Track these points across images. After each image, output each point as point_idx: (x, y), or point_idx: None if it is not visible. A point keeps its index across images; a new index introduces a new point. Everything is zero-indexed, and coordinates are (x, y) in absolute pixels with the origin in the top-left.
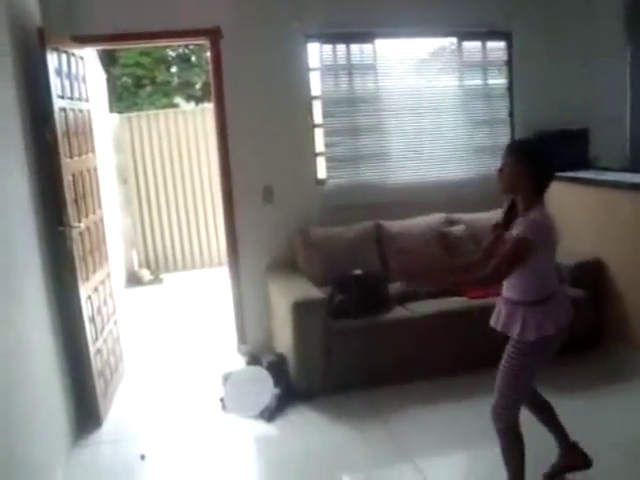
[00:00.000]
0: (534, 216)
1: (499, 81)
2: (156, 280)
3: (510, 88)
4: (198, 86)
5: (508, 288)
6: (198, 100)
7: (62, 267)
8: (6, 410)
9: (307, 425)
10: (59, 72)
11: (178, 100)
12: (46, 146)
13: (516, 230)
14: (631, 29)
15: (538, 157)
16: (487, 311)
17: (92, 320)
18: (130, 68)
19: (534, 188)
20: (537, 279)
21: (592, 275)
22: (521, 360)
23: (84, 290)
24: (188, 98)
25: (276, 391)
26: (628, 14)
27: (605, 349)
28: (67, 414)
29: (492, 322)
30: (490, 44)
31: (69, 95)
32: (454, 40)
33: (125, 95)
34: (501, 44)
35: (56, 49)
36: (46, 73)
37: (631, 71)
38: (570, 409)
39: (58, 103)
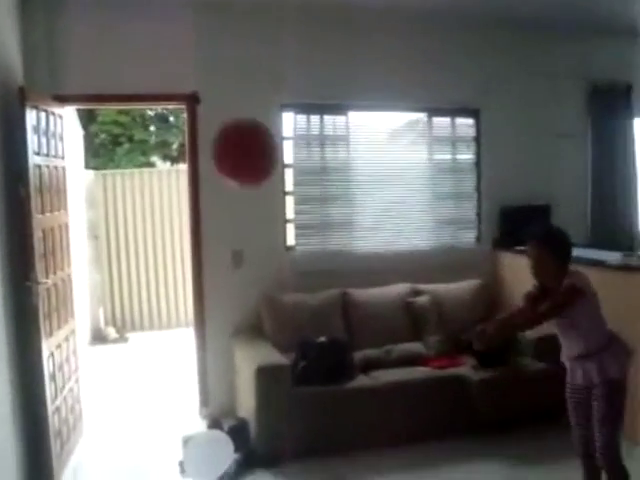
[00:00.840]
0: (571, 277)
1: (467, 156)
2: (121, 339)
3: (477, 163)
4: (175, 146)
5: (579, 345)
6: (174, 160)
7: (26, 322)
8: None
9: None
10: (37, 129)
11: (155, 159)
12: (18, 201)
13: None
14: (591, 111)
15: (561, 244)
16: (449, 381)
17: (53, 377)
18: (108, 125)
19: (563, 269)
20: (597, 327)
21: (554, 349)
22: (609, 400)
23: (47, 346)
24: (165, 158)
25: (236, 456)
26: (589, 97)
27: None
28: (19, 472)
29: (578, 380)
30: (459, 120)
31: (45, 152)
32: (424, 115)
33: (102, 152)
34: (470, 121)
35: (35, 107)
36: (24, 130)
37: (592, 150)
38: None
39: (34, 160)
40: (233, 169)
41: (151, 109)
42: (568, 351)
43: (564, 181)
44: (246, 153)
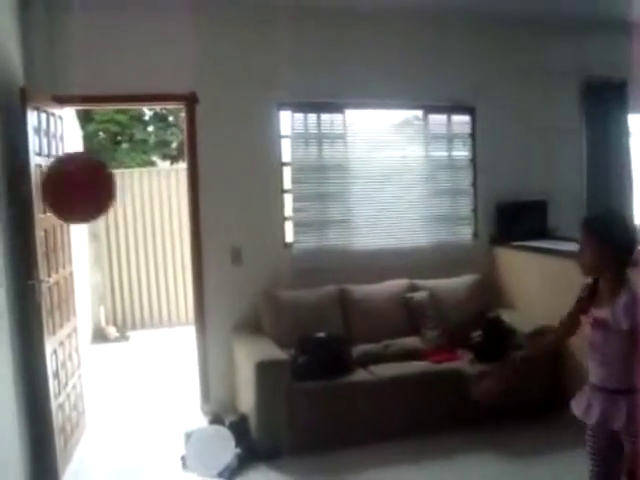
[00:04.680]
0: (634, 296)
1: (463, 153)
2: (122, 337)
3: (473, 160)
4: (174, 145)
5: (607, 377)
6: (174, 159)
7: (29, 320)
8: None
9: None
10: (38, 130)
11: (154, 158)
12: (20, 201)
13: (615, 313)
14: (586, 106)
15: (620, 231)
16: (447, 374)
17: (56, 375)
18: (105, 124)
19: (621, 264)
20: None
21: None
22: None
23: (50, 344)
24: (164, 157)
25: (237, 450)
26: (583, 93)
27: (562, 414)
28: (24, 468)
29: (578, 413)
30: (455, 117)
31: (46, 153)
32: (421, 113)
33: (103, 152)
34: (465, 118)
35: (36, 108)
36: (25, 131)
37: (587, 146)
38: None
39: (35, 160)
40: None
41: (150, 109)
42: (597, 378)
43: (560, 177)
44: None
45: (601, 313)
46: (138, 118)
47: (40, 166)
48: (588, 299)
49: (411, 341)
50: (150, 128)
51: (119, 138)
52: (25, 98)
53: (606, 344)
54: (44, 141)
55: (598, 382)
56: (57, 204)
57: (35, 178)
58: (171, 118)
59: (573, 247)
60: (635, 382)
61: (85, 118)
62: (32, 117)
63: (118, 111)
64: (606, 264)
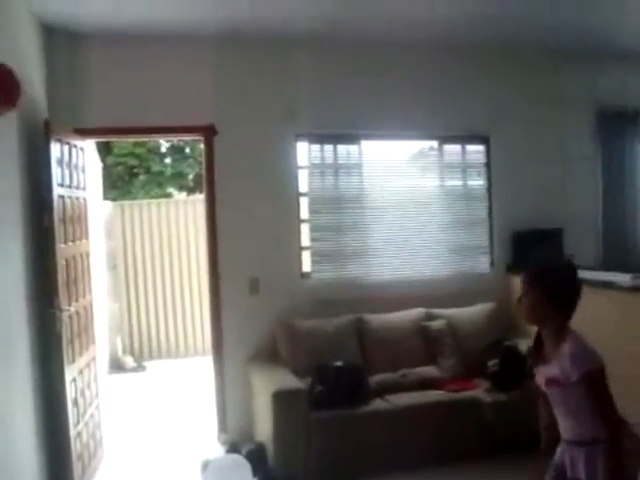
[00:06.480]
0: (577, 344)
1: (478, 182)
2: (139, 367)
3: (489, 189)
4: (191, 177)
5: (574, 429)
6: (190, 190)
7: (50, 348)
8: None
9: None
10: (60, 162)
11: (171, 190)
12: (43, 231)
13: (562, 366)
14: (601, 134)
15: (560, 280)
16: (463, 404)
17: (75, 403)
18: (124, 157)
19: (562, 315)
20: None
21: None
22: None
23: (69, 372)
24: (180, 188)
25: None
26: (597, 121)
27: None
28: None
29: (568, 474)
30: (470, 147)
31: (68, 183)
32: (436, 143)
33: (119, 183)
34: (480, 147)
35: (59, 140)
36: (48, 162)
37: (602, 173)
38: None
39: (57, 191)
40: None
41: (167, 141)
42: (566, 432)
43: (576, 205)
44: None
45: (550, 370)
46: (155, 151)
47: (62, 197)
48: (534, 353)
49: (428, 370)
50: (167, 160)
51: (136, 170)
52: (49, 130)
53: (566, 400)
54: (66, 172)
55: (573, 437)
56: None
57: (57, 208)
58: (187, 150)
59: (588, 275)
60: (598, 433)
61: (105, 151)
62: (55, 149)
63: (136, 144)
64: (546, 315)
